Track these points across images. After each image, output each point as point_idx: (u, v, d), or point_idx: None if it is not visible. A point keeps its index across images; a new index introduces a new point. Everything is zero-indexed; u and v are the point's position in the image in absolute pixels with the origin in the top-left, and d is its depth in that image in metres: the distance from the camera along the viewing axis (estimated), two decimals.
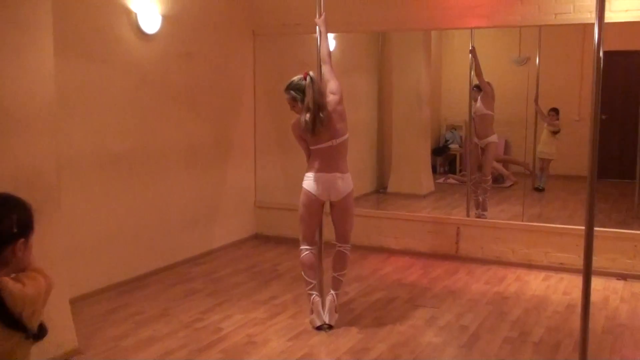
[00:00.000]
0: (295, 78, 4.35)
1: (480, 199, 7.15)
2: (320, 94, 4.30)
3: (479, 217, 6.90)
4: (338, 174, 4.38)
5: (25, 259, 2.19)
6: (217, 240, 6.62)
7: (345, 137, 4.40)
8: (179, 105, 5.98)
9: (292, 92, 4.35)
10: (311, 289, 4.49)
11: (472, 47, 7.10)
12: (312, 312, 4.48)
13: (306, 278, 4.50)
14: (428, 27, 6.99)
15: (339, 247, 4.57)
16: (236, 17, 6.78)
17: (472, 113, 7.37)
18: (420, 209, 7.83)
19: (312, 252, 4.52)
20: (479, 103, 7.28)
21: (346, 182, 4.41)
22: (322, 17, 4.57)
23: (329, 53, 4.49)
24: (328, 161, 4.38)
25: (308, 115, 4.25)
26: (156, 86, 5.69)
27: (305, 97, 4.28)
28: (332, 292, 4.51)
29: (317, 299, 4.47)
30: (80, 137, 4.99)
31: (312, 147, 4.41)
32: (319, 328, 4.43)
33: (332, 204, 4.49)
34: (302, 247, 4.53)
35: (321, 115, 4.25)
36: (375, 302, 4.72)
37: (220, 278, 5.69)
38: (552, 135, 8.10)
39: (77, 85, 4.94)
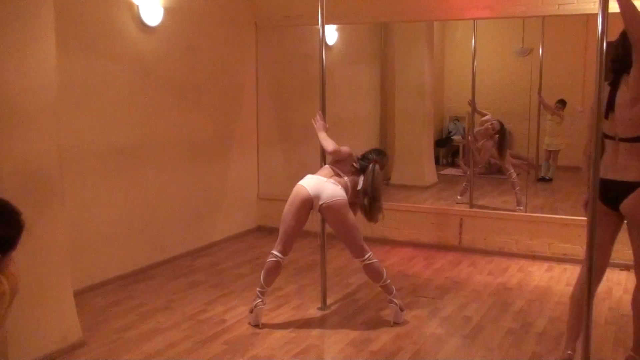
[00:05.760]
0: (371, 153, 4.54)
1: (516, 193, 7.13)
2: (375, 186, 4.41)
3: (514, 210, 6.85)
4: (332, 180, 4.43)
5: None
6: (220, 232, 6.63)
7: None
8: (182, 98, 5.98)
9: (358, 156, 4.54)
10: (261, 293, 4.38)
11: (472, 100, 7.26)
12: (251, 311, 4.40)
13: (261, 280, 4.38)
14: (430, 18, 6.97)
15: (360, 262, 4.43)
16: (238, 9, 6.76)
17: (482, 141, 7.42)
18: (423, 201, 7.84)
19: (279, 262, 4.38)
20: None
21: (337, 188, 4.34)
22: (318, 123, 4.61)
23: (333, 149, 4.50)
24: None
25: (366, 200, 4.41)
26: (158, 79, 5.68)
27: (364, 175, 4.43)
28: (389, 298, 4.43)
29: (261, 306, 4.38)
30: (83, 131, 4.99)
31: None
32: (252, 325, 4.40)
33: (323, 215, 4.42)
34: (272, 252, 4.41)
35: (377, 205, 4.42)
36: (379, 294, 4.73)
37: (224, 270, 5.70)
38: (557, 126, 8.10)
39: (80, 78, 4.93)
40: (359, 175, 4.49)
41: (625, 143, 3.36)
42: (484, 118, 7.59)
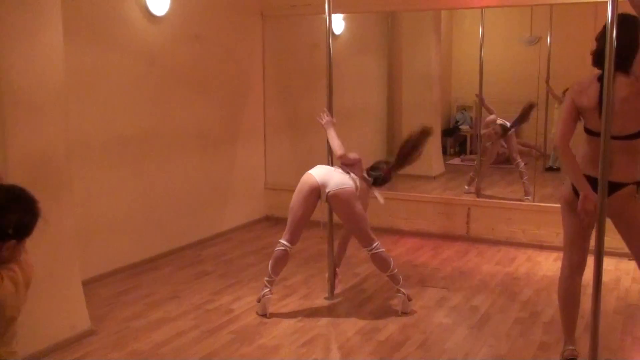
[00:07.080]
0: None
1: (524, 183, 7.15)
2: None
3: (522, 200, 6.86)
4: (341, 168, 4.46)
5: (11, 257, 2.16)
6: (228, 222, 6.64)
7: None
8: (189, 87, 5.97)
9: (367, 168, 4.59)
10: (269, 282, 4.38)
11: (480, 93, 7.24)
12: (259, 300, 4.40)
13: (269, 270, 4.38)
14: (438, 7, 6.94)
15: (367, 251, 4.42)
16: None
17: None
18: (431, 190, 7.82)
19: (287, 251, 4.38)
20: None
21: (345, 177, 4.35)
22: (326, 120, 4.56)
23: (342, 153, 4.46)
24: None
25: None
26: (165, 69, 5.67)
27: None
28: (396, 287, 4.43)
29: (269, 295, 4.37)
30: (91, 121, 5.00)
31: None
32: (260, 314, 4.40)
33: (330, 203, 4.40)
34: (280, 241, 4.41)
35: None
36: (386, 283, 4.73)
37: (231, 260, 5.71)
38: None
39: (87, 68, 4.93)
40: (369, 184, 4.48)
41: (622, 141, 3.19)
42: (488, 118, 7.48)
